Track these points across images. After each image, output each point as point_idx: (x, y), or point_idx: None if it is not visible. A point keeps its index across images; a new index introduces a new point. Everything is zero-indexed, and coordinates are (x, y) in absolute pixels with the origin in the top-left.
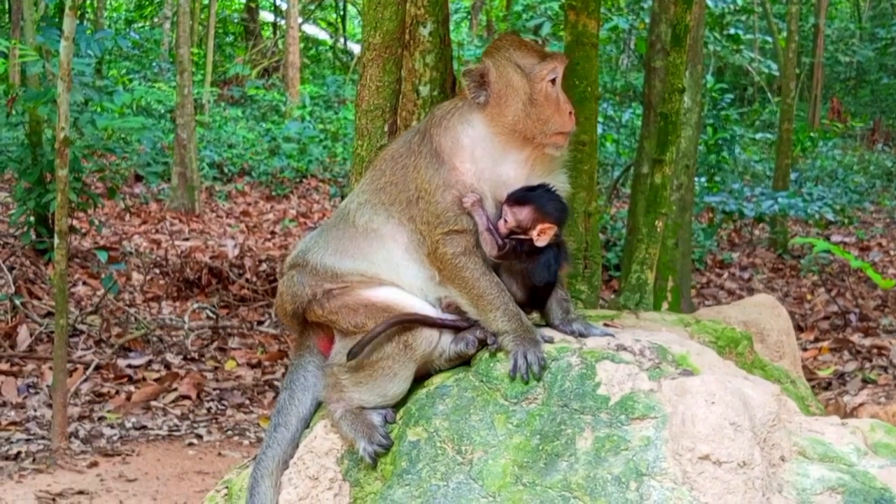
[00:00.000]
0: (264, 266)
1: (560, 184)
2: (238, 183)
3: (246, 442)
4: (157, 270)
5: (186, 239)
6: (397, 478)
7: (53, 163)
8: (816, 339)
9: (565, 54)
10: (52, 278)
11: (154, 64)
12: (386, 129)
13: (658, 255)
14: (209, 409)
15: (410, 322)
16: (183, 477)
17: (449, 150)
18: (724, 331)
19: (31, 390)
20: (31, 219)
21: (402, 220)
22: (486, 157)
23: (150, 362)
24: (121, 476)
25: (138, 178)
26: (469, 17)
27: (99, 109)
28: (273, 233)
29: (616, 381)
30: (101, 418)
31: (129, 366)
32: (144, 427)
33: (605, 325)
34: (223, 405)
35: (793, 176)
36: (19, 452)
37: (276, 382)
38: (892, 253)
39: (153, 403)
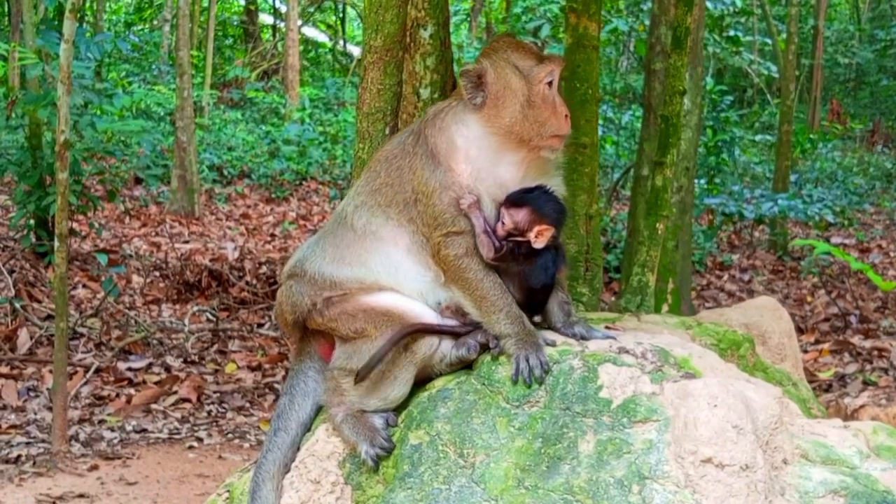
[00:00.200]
0: (264, 269)
1: (555, 186)
2: (238, 185)
3: (246, 445)
4: (157, 273)
5: (186, 241)
6: (399, 481)
7: (53, 166)
8: (817, 342)
9: (563, 57)
10: (52, 281)
11: (154, 66)
12: (387, 131)
13: (659, 258)
14: (209, 412)
15: (413, 333)
16: (183, 480)
17: (444, 152)
18: (725, 333)
19: (32, 393)
20: (31, 222)
21: (401, 221)
22: (481, 158)
23: (150, 365)
24: (121, 479)
25: (138, 181)
26: (468, 19)
27: (99, 112)
28: (273, 235)
29: (618, 384)
30: (101, 421)
31: (130, 369)
32: (145, 430)
33: (607, 327)
34: (223, 408)
35: (792, 178)
36: (19, 456)
37: (276, 385)
38: (892, 254)
39: (153, 406)
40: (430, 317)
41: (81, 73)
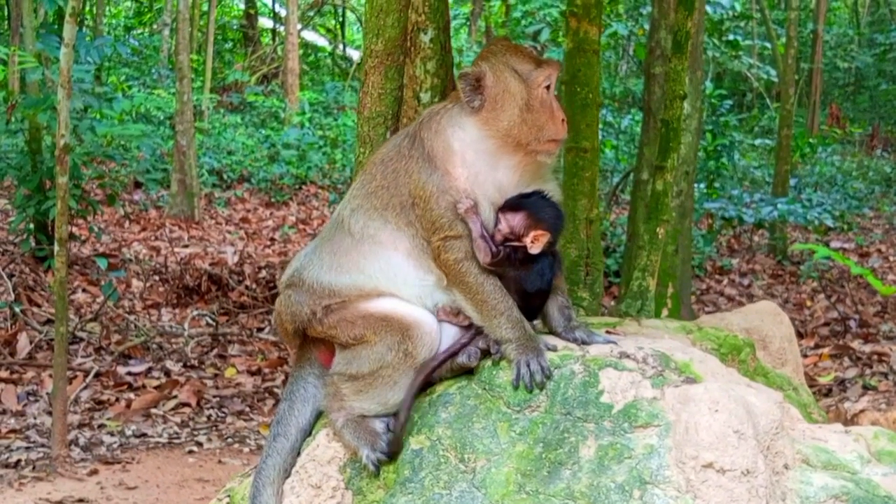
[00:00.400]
0: (264, 273)
1: (551, 190)
2: (237, 189)
3: (246, 449)
4: (157, 277)
5: (186, 246)
6: (400, 486)
7: (53, 170)
8: (816, 346)
9: (559, 61)
10: (51, 285)
11: (153, 70)
12: (388, 136)
13: (659, 262)
14: (209, 417)
15: (431, 369)
16: (183, 485)
17: (441, 155)
18: (726, 338)
19: (31, 398)
20: (31, 226)
21: (399, 225)
22: (478, 162)
23: (149, 369)
24: (121, 484)
25: (138, 185)
26: (468, 23)
27: (98, 116)
28: (272, 239)
29: (619, 389)
30: (100, 426)
31: (129, 373)
32: (144, 434)
33: (608, 332)
34: (223, 412)
35: (792, 182)
36: (19, 460)
37: (276, 390)
38: (891, 259)
39: (153, 411)
40: (430, 323)
41: (81, 77)
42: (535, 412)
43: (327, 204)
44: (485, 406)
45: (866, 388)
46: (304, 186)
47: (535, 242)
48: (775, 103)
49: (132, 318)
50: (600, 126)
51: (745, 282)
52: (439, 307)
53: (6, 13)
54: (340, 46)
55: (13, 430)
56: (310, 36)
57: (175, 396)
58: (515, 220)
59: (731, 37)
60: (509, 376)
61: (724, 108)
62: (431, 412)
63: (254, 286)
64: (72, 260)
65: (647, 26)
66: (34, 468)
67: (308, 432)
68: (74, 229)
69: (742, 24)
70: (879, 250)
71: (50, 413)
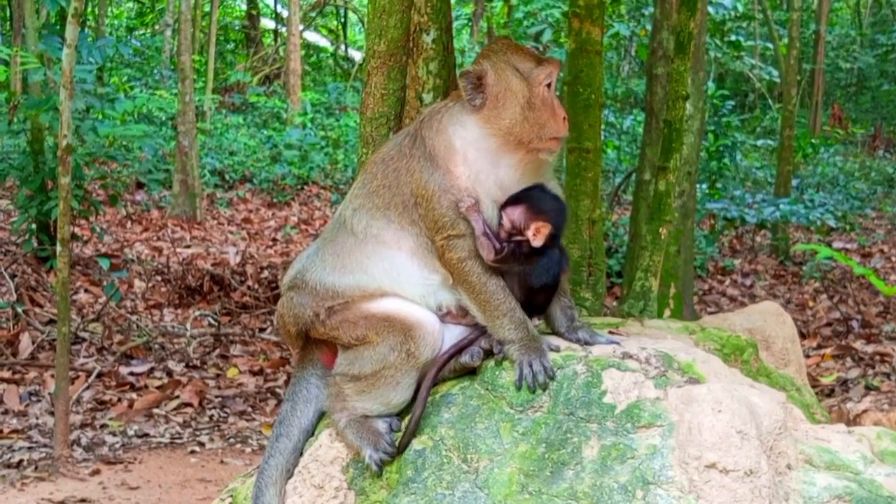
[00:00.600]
0: (266, 273)
1: (552, 188)
2: (239, 190)
3: (248, 450)
4: (159, 278)
5: (188, 246)
6: (403, 486)
7: (55, 170)
8: (819, 346)
9: (560, 59)
10: (53, 286)
11: (155, 71)
12: (390, 136)
13: (661, 263)
14: (211, 417)
15: (439, 366)
16: (185, 485)
17: (443, 154)
18: (729, 338)
19: (33, 398)
20: (33, 226)
21: (403, 224)
22: (480, 160)
23: (152, 370)
24: (123, 484)
25: (140, 186)
26: (470, 24)
27: (100, 117)
28: (275, 240)
29: (622, 390)
30: (103, 426)
31: (131, 373)
32: (146, 435)
33: (611, 332)
34: (225, 413)
35: (794, 182)
36: (21, 460)
37: (278, 390)
38: (894, 259)
39: (155, 411)
40: (432, 323)
41: (83, 78)
42: (538, 412)
43: (329, 204)
44: (488, 406)
45: (869, 388)
46: (305, 187)
47: (536, 235)
48: (777, 104)
49: (134, 318)
50: (602, 126)
51: (748, 282)
52: (444, 310)
53: (8, 14)
54: (342, 47)
55: (15, 431)
56: (312, 37)
57: (177, 397)
58: (516, 213)
59: (733, 37)
60: (512, 377)
61: (727, 109)
62: (434, 412)
63: (256, 286)
64: (74, 260)
65: (649, 27)
66: (36, 468)
67: (311, 433)
68: (77, 230)
69: (744, 24)
70: (882, 251)
71: (52, 413)
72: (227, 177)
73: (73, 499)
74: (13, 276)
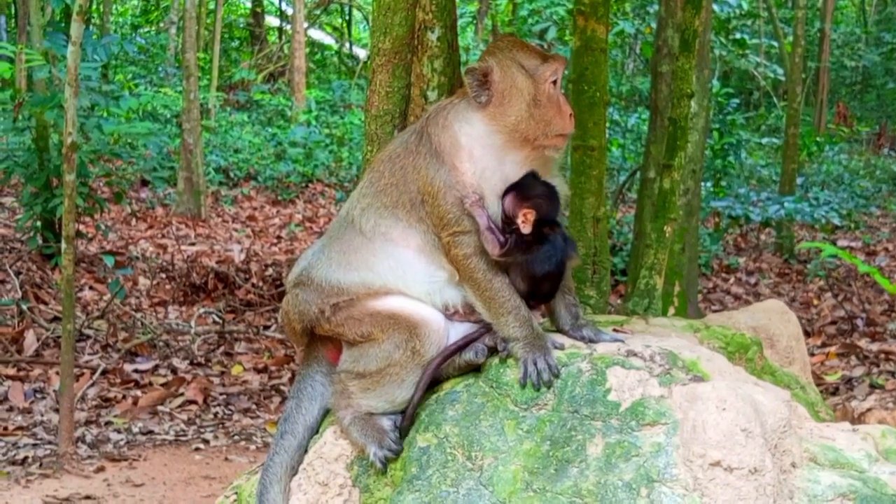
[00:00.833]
0: (270, 271)
1: (557, 186)
2: (244, 188)
3: (253, 447)
4: (164, 275)
5: (192, 244)
6: (407, 484)
7: (60, 168)
8: (823, 344)
9: (565, 56)
10: (58, 283)
11: (160, 69)
12: (395, 134)
13: (666, 261)
14: (216, 414)
15: (438, 364)
16: (190, 482)
17: (448, 150)
18: (733, 336)
19: (38, 395)
20: (38, 224)
21: (410, 221)
22: (485, 157)
23: (156, 367)
24: (127, 481)
25: (144, 183)
26: (474, 21)
27: (105, 114)
28: (279, 237)
29: (626, 387)
30: (107, 423)
31: (136, 370)
32: (151, 432)
33: (615, 330)
34: (230, 410)
35: (799, 181)
36: (26, 457)
37: (282, 387)
38: None
39: (160, 408)
40: (438, 321)
41: (88, 75)
42: (543, 410)
43: (334, 202)
44: (492, 404)
45: (873, 386)
46: (310, 184)
47: (524, 222)
48: (782, 102)
49: (139, 315)
50: (607, 124)
51: (752, 280)
52: (451, 309)
53: (13, 11)
54: (347, 45)
55: (20, 427)
56: (316, 34)
57: (182, 394)
58: (506, 202)
59: (738, 35)
60: (516, 374)
61: (731, 107)
62: (438, 410)
63: (260, 284)
64: (79, 258)
65: (654, 25)
66: (41, 465)
67: (315, 430)
68: (81, 227)
69: (749, 22)
70: (886, 249)
71: (57, 410)
72: (231, 174)
73: (77, 496)
74: (18, 274)
